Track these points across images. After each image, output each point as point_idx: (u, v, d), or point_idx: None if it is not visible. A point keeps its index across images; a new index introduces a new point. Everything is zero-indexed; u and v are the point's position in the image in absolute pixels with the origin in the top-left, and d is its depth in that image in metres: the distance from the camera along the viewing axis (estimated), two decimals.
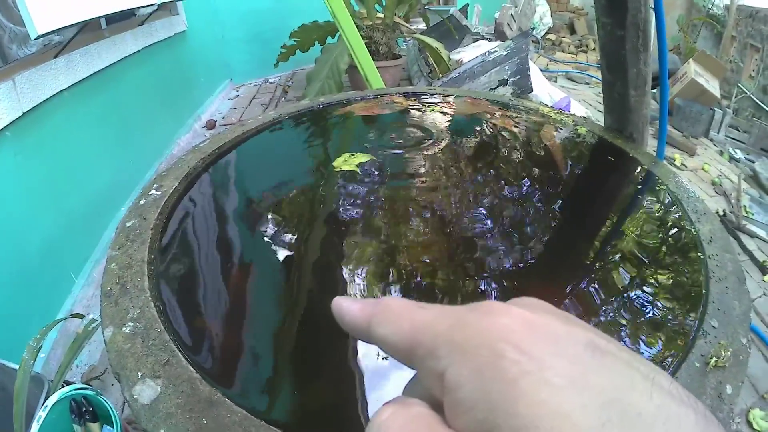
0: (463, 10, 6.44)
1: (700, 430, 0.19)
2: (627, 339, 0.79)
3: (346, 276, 0.92)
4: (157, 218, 1.03)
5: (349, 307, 0.29)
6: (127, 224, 1.01)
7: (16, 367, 1.34)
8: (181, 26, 4.17)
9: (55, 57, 2.28)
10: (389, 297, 0.28)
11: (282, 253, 0.98)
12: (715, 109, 5.03)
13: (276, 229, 1.06)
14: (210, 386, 0.65)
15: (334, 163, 1.30)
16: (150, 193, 1.12)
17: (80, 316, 1.68)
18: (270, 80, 5.72)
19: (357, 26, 3.25)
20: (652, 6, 1.29)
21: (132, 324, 0.75)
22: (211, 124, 4.30)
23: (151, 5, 3.15)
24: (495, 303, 0.24)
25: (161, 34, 3.69)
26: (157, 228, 1.01)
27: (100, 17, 2.52)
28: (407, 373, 0.66)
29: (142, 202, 1.09)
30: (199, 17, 4.51)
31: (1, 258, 1.84)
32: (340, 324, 0.30)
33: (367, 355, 0.73)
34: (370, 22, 4.74)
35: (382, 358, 0.73)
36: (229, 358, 0.76)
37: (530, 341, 0.21)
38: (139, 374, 0.67)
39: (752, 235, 3.22)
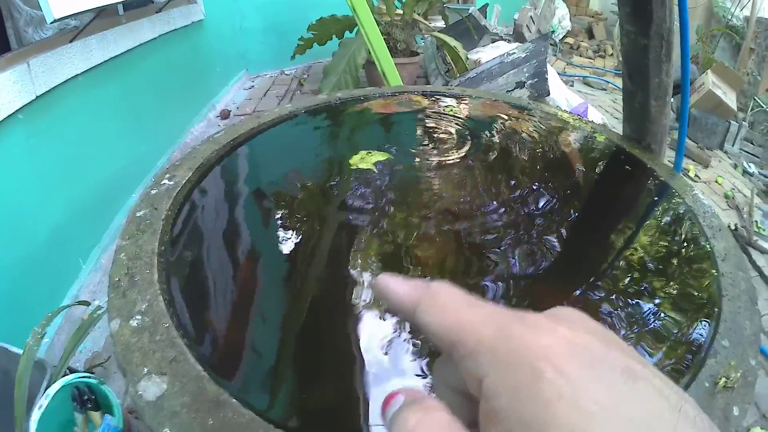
0: (483, 9, 6.41)
1: None
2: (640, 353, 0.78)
3: (353, 275, 0.91)
4: (169, 209, 1.02)
5: (396, 288, 0.29)
6: (138, 214, 1.00)
7: (20, 351, 1.34)
8: (199, 15, 4.16)
9: (70, 42, 2.28)
10: (439, 283, 0.28)
11: (292, 250, 0.98)
12: (731, 121, 5.00)
13: (288, 225, 1.05)
14: (217, 386, 0.64)
15: (351, 161, 1.29)
16: (162, 182, 1.11)
17: (86, 303, 1.68)
18: (286, 72, 5.71)
19: (376, 22, 3.24)
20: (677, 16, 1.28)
21: (140, 317, 0.74)
22: (225, 114, 4.30)
23: None
24: (540, 318, 0.24)
25: (178, 23, 3.69)
26: (168, 219, 1.00)
27: (117, 3, 2.52)
28: (408, 376, 0.65)
29: (153, 192, 1.08)
30: (216, 6, 4.51)
31: (9, 241, 1.84)
32: (382, 300, 0.30)
33: (370, 356, 0.73)
34: (389, 18, 4.72)
35: (385, 360, 0.73)
36: (236, 356, 0.75)
37: (570, 363, 0.21)
38: (145, 370, 0.66)
39: (763, 251, 3.19)
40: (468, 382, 0.24)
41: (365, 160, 1.28)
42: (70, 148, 2.27)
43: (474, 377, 0.23)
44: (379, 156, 1.31)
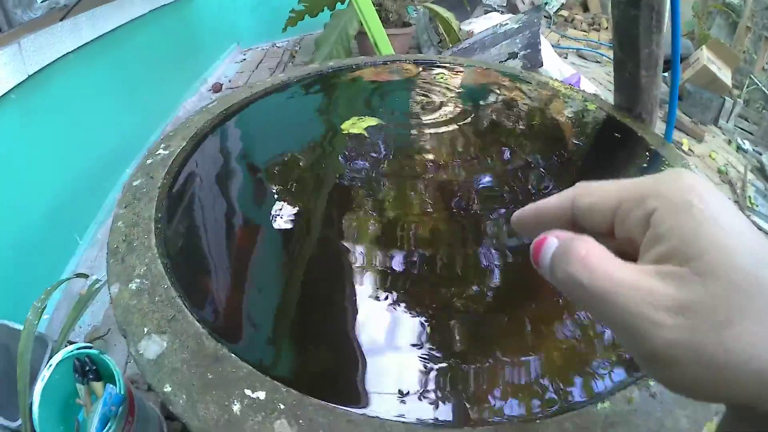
0: None
1: None
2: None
3: (347, 244, 0.91)
4: (165, 177, 1.02)
5: (543, 202, 0.38)
6: (134, 183, 1.01)
7: (21, 327, 1.35)
8: None
9: (60, 20, 2.27)
10: (581, 185, 0.37)
11: (286, 217, 0.98)
12: (726, 98, 4.98)
13: (282, 191, 1.05)
14: (216, 341, 0.65)
15: (343, 126, 1.28)
16: (157, 152, 1.12)
17: (84, 276, 1.69)
18: (278, 45, 5.67)
19: None
20: None
21: (138, 281, 0.75)
22: (217, 88, 4.28)
23: None
24: (680, 169, 0.33)
25: None
26: (164, 187, 1.00)
27: None
28: (402, 343, 0.66)
29: (149, 162, 1.08)
30: None
31: (6, 220, 1.85)
32: (530, 221, 0.39)
33: (365, 324, 0.74)
34: None
35: (383, 324, 0.74)
36: (233, 315, 0.76)
37: (709, 194, 0.30)
38: (145, 330, 0.67)
39: (756, 226, 3.21)
40: (634, 227, 0.32)
41: (357, 125, 1.28)
42: (63, 126, 2.27)
43: (642, 217, 0.31)
44: (371, 121, 1.31)
